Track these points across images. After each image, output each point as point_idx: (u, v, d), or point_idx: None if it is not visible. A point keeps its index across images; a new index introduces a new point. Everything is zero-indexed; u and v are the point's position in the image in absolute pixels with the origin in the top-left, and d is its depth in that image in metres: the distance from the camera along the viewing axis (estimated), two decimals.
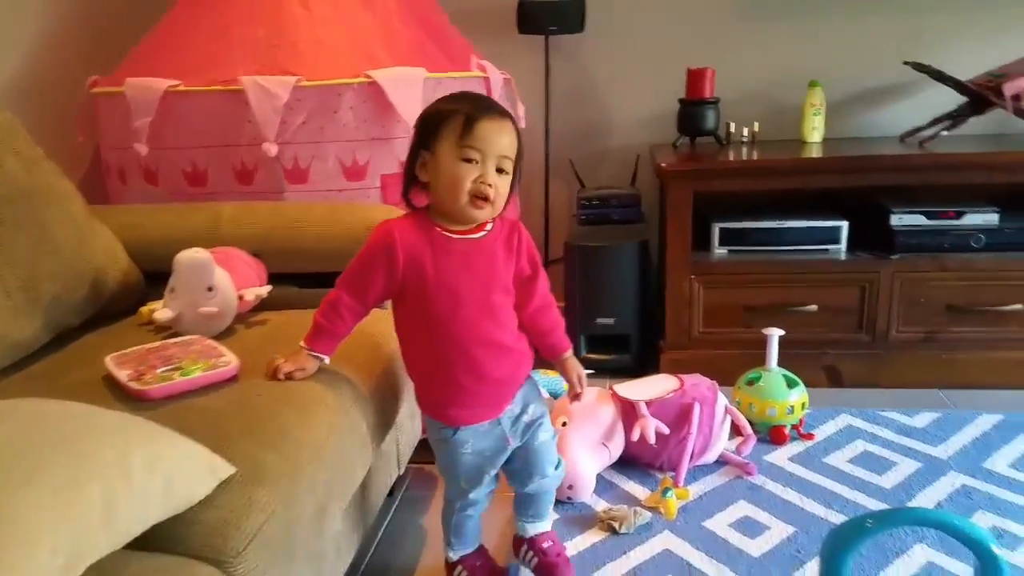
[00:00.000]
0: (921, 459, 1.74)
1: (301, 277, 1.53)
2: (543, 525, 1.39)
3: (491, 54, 2.10)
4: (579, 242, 2.20)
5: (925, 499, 1.60)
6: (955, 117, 2.20)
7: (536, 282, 1.25)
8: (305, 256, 1.50)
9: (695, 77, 2.24)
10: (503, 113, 1.13)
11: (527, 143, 2.55)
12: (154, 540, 0.83)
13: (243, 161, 1.68)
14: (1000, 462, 1.72)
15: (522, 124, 2.13)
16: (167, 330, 1.36)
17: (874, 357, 2.11)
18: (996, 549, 0.84)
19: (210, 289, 1.33)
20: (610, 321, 2.21)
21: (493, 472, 1.29)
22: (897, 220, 2.10)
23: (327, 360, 1.20)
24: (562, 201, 2.55)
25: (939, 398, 2.06)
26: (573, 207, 2.43)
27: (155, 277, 1.44)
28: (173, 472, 0.85)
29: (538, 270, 1.25)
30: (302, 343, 1.20)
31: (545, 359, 1.32)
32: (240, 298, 1.38)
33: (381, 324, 1.42)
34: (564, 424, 1.66)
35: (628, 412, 1.71)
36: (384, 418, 1.32)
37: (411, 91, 1.67)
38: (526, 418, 1.27)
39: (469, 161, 1.09)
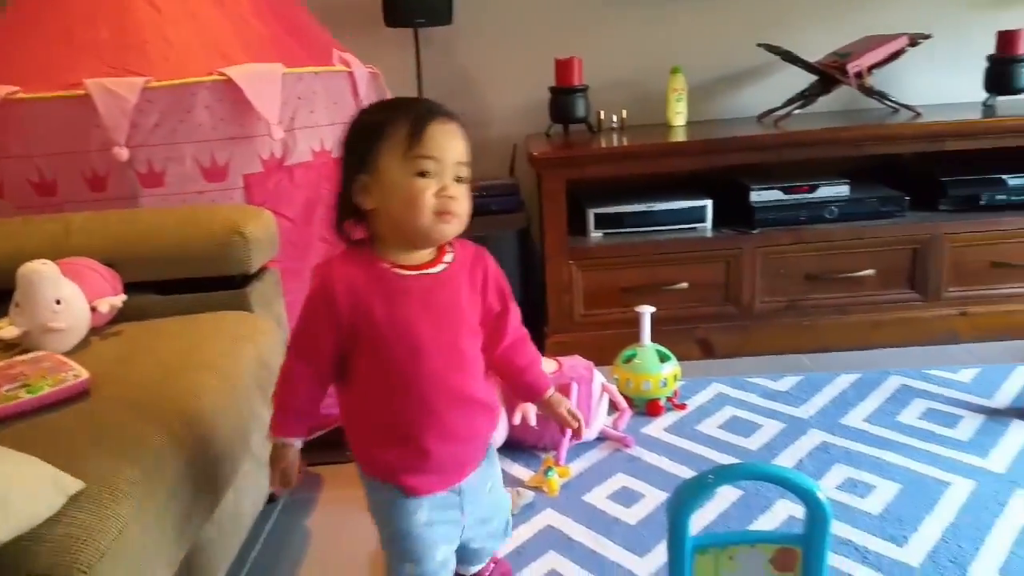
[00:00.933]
0: (785, 420, 1.86)
1: (161, 285, 1.48)
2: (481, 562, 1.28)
3: (358, 49, 2.07)
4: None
5: (787, 457, 1.71)
6: (806, 96, 2.34)
7: (507, 317, 1.11)
8: (163, 263, 1.45)
9: (563, 66, 2.29)
10: (450, 114, 0.99)
11: None
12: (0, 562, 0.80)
13: (94, 168, 1.60)
14: (855, 418, 1.85)
15: None
16: (16, 347, 1.29)
17: (742, 328, 2.23)
18: (820, 495, 0.91)
19: (58, 303, 1.27)
20: None
21: (450, 549, 1.11)
22: (756, 196, 2.22)
23: (299, 444, 1.05)
24: None
25: (802, 362, 2.20)
26: None
27: (4, 294, 1.37)
28: (11, 492, 0.82)
29: (508, 304, 1.11)
30: (268, 434, 1.05)
31: (521, 400, 1.23)
32: (93, 310, 1.33)
33: (243, 326, 1.41)
34: None
35: (509, 397, 1.74)
36: (251, 423, 1.30)
37: (269, 87, 1.64)
38: (487, 483, 1.14)
39: (424, 175, 0.95)
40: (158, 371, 1.20)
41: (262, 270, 1.55)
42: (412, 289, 0.99)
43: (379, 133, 0.96)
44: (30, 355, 1.22)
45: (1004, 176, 2.26)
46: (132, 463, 0.97)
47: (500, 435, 1.74)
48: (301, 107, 1.72)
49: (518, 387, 1.18)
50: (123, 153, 1.57)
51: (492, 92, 2.53)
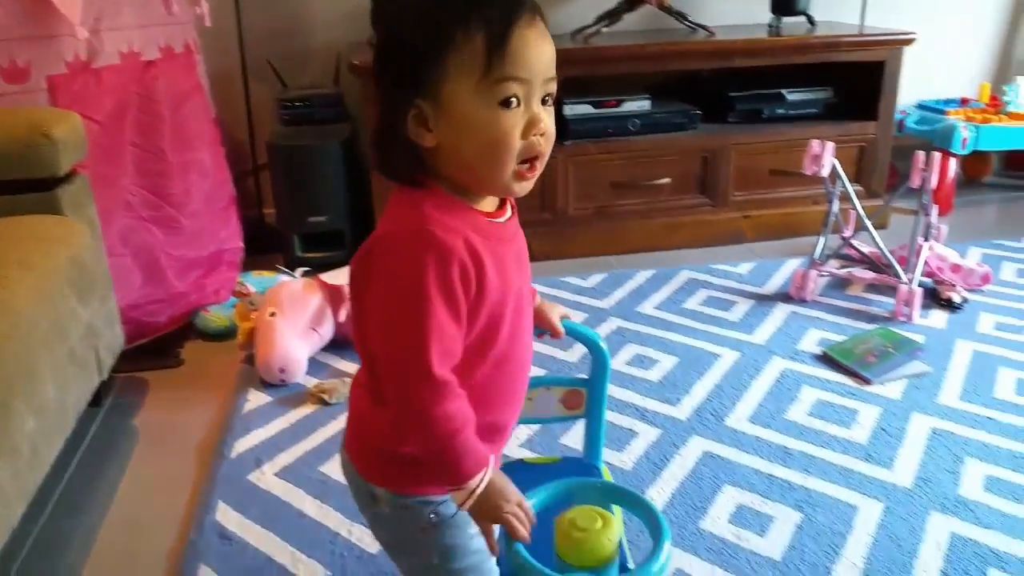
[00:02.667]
0: (588, 311, 2.09)
1: None
2: None
3: None
4: (283, 142, 2.25)
5: None
6: (612, 15, 2.51)
7: None
8: None
9: None
10: (532, 3, 0.72)
11: (217, 45, 2.50)
12: None
13: None
14: (648, 306, 2.11)
15: (207, 23, 2.10)
16: None
17: (557, 233, 2.43)
18: (601, 343, 1.06)
19: None
20: (322, 219, 2.30)
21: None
22: (569, 110, 2.40)
23: (491, 468, 0.76)
24: (265, 104, 2.53)
25: (610, 263, 2.44)
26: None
27: None
28: None
29: None
30: (455, 491, 0.76)
31: None
32: None
33: (55, 228, 1.42)
34: (272, 315, 1.76)
35: (335, 297, 1.85)
36: (67, 319, 1.33)
37: None
38: None
39: (508, 103, 0.70)
40: None
41: (71, 174, 1.54)
42: (507, 241, 0.78)
43: (442, 41, 0.69)
44: None
45: (784, 91, 2.56)
46: None
47: (327, 332, 1.85)
48: (107, 7, 1.69)
49: None
50: None
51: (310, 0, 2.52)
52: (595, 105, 2.42)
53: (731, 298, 2.15)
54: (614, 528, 0.76)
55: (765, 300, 2.14)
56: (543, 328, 0.98)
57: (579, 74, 2.37)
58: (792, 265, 2.31)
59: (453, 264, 0.70)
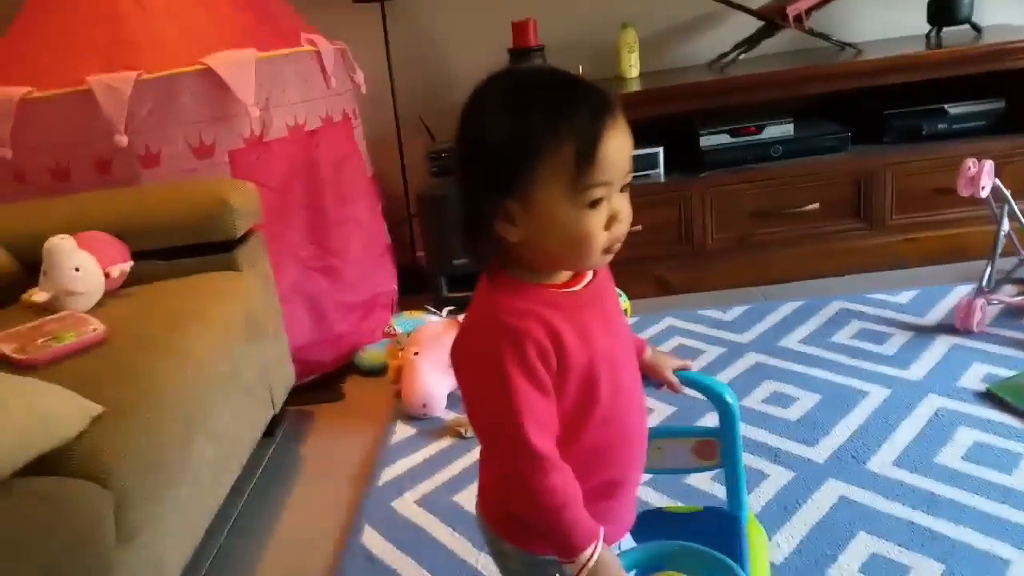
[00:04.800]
0: (726, 345, 2.06)
1: (163, 252, 1.72)
2: None
3: (330, 26, 2.27)
4: (430, 193, 2.43)
5: (724, 375, 1.91)
6: (751, 41, 2.48)
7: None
8: (162, 233, 1.69)
9: (519, 28, 2.45)
10: (612, 102, 0.76)
11: (376, 108, 2.73)
12: (42, 467, 1.05)
13: (100, 153, 1.84)
14: (792, 340, 2.05)
15: (363, 90, 2.32)
16: (47, 310, 1.54)
17: (696, 265, 2.42)
18: (727, 396, 1.02)
19: (77, 270, 1.52)
20: (465, 261, 2.45)
21: None
22: (705, 141, 2.39)
23: (600, 541, 0.79)
24: (419, 158, 2.70)
25: (754, 294, 2.38)
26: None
27: (35, 266, 1.61)
28: (49, 413, 1.07)
29: None
30: (567, 563, 0.79)
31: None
32: (107, 275, 1.57)
33: (231, 284, 1.64)
34: (416, 354, 1.92)
35: None
36: (241, 361, 1.54)
37: (244, 72, 1.85)
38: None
39: (597, 204, 0.75)
40: (160, 324, 1.44)
41: (247, 234, 1.78)
42: (586, 306, 0.82)
43: (535, 152, 0.73)
44: (57, 315, 1.47)
45: (946, 105, 2.39)
46: (140, 394, 1.22)
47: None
48: (274, 87, 1.94)
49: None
50: (123, 140, 1.80)
51: (456, 59, 2.70)
52: (732, 134, 2.40)
53: (887, 330, 2.04)
54: None
55: (925, 332, 2.00)
56: (655, 381, 0.99)
57: (714, 104, 2.37)
58: (962, 291, 2.14)
59: (528, 346, 0.75)
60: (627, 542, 0.95)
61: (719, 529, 1.07)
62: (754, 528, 1.12)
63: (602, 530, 0.80)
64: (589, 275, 0.84)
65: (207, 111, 1.85)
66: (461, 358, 0.82)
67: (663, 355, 1.00)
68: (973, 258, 2.30)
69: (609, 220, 0.76)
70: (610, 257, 0.80)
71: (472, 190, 0.79)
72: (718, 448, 1.08)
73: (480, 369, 0.79)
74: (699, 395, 1.02)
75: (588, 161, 0.72)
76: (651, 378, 1.00)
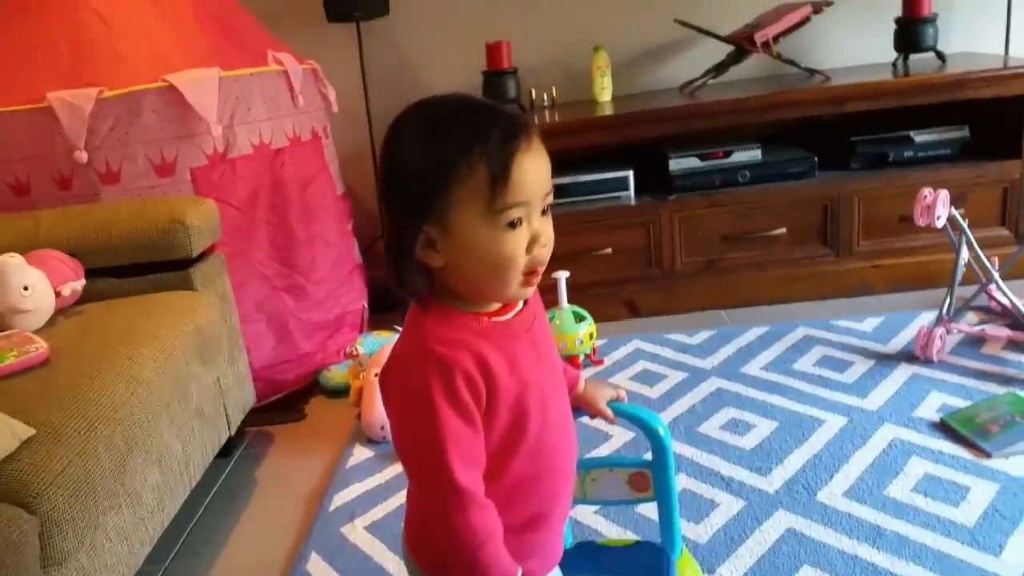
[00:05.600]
0: (688, 370, 2.05)
1: (118, 270, 1.71)
2: None
3: (305, 45, 2.28)
4: None
5: (685, 401, 1.91)
6: (719, 66, 2.49)
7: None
8: (116, 251, 1.68)
9: (493, 50, 2.46)
10: (524, 123, 0.77)
11: (350, 126, 2.73)
12: None
13: (60, 170, 1.84)
14: (754, 366, 2.05)
15: (334, 109, 2.33)
16: None
17: (664, 288, 2.42)
18: (659, 428, 1.03)
19: (25, 288, 1.51)
20: None
21: None
22: (675, 164, 2.40)
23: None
24: None
25: (721, 317, 2.39)
26: None
27: None
28: None
29: None
30: None
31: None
32: (57, 294, 1.56)
33: (184, 303, 1.63)
34: (376, 375, 1.90)
35: None
36: (189, 383, 1.53)
37: (207, 90, 1.85)
38: None
39: (514, 225, 0.75)
40: (106, 344, 1.43)
41: (206, 253, 1.77)
42: (517, 336, 0.81)
43: (446, 175, 0.73)
44: (3, 333, 1.46)
45: (911, 132, 2.41)
46: (76, 416, 1.21)
47: None
48: (239, 106, 1.93)
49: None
50: (83, 156, 1.80)
51: (431, 78, 2.70)
52: (701, 158, 2.41)
53: (849, 357, 2.04)
54: None
55: (887, 360, 2.00)
56: (589, 413, 1.00)
57: (682, 129, 2.37)
58: (927, 318, 2.15)
59: (456, 376, 0.75)
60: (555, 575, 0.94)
61: (650, 564, 1.07)
62: (687, 563, 1.12)
63: (520, 570, 0.80)
64: (520, 304, 0.84)
65: (169, 128, 1.84)
66: (389, 387, 0.81)
67: (598, 386, 1.01)
68: (940, 285, 2.30)
69: (530, 243, 0.76)
70: (532, 288, 0.80)
71: (394, 218, 0.78)
72: (651, 480, 1.08)
73: (407, 399, 0.78)
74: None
75: (502, 182, 0.73)
76: (584, 410, 1.00)
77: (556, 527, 0.91)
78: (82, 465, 1.17)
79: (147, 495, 1.38)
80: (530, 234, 0.76)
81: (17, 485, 1.07)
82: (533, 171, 0.75)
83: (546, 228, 0.78)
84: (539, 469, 0.84)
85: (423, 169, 0.75)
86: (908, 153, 2.41)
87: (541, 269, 0.79)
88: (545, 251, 0.78)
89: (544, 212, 0.78)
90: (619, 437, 1.78)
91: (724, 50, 2.52)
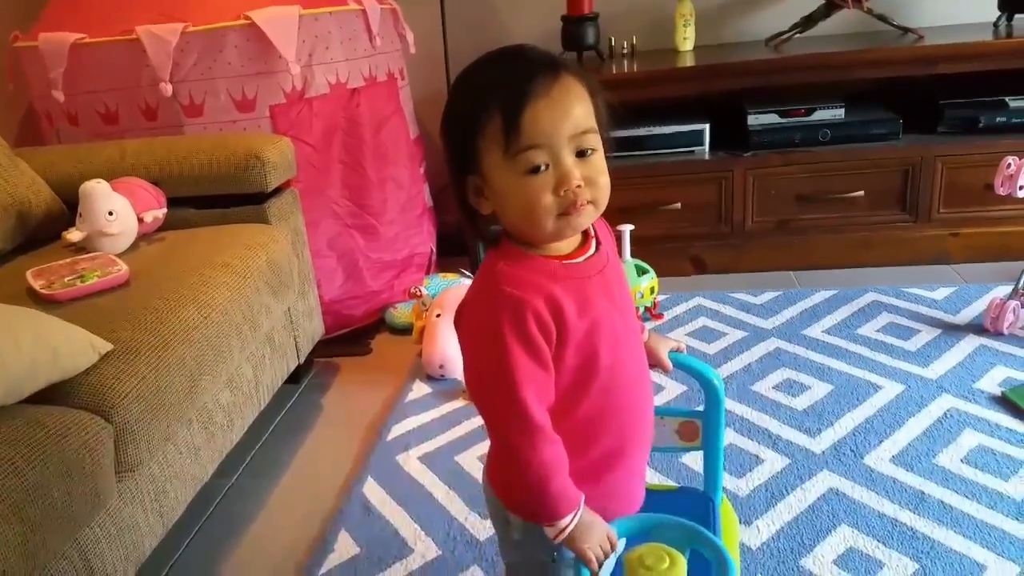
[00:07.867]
0: (749, 330, 2.04)
1: (198, 200, 1.80)
2: None
3: None
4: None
5: (739, 361, 1.90)
6: (808, 20, 2.39)
7: None
8: (197, 182, 1.77)
9: None
10: (550, 68, 0.77)
11: (428, 69, 2.75)
12: (51, 397, 1.14)
13: (146, 100, 1.93)
14: (816, 329, 2.02)
15: (412, 51, 2.35)
16: (83, 250, 1.64)
17: (733, 246, 2.39)
18: (712, 376, 1.05)
19: (111, 213, 1.61)
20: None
21: None
22: (753, 120, 2.34)
23: (581, 509, 0.83)
24: None
25: (789, 279, 2.34)
26: None
27: (76, 207, 1.71)
28: (59, 346, 1.15)
29: None
30: (548, 527, 0.83)
31: None
32: (140, 220, 1.66)
33: (259, 235, 1.71)
34: (438, 316, 1.97)
35: None
36: (260, 311, 1.61)
37: (287, 28, 1.90)
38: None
39: (536, 170, 0.76)
40: (183, 270, 1.51)
41: (281, 188, 1.84)
42: (589, 277, 0.83)
43: (473, 129, 0.77)
44: (90, 255, 1.56)
45: (1006, 98, 2.28)
46: (152, 335, 1.30)
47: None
48: (318, 44, 1.98)
49: None
50: (167, 88, 1.88)
51: (510, 23, 2.68)
52: (782, 114, 2.34)
53: (915, 325, 1.99)
54: (680, 569, 0.78)
55: (954, 330, 1.94)
56: (650, 362, 1.00)
57: (764, 85, 2.31)
58: (1002, 292, 2.06)
59: (528, 316, 0.77)
60: None
61: (694, 508, 1.10)
62: (726, 511, 1.15)
63: (583, 498, 0.83)
64: (592, 248, 0.85)
65: (250, 65, 1.91)
66: (462, 326, 0.84)
67: (659, 337, 1.03)
68: (1021, 258, 2.21)
69: (557, 184, 0.76)
70: (583, 218, 0.79)
71: (451, 170, 0.83)
72: (699, 431, 1.11)
73: (480, 337, 0.81)
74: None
75: (513, 126, 0.75)
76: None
77: (635, 470, 0.93)
78: (155, 381, 1.25)
79: (218, 414, 1.49)
80: (557, 176, 0.76)
81: (96, 395, 1.17)
82: (549, 114, 0.75)
83: (582, 170, 0.77)
84: (611, 406, 0.86)
85: (457, 120, 0.81)
86: (1001, 119, 2.28)
87: (579, 209, 0.77)
88: (578, 193, 0.76)
89: (584, 154, 0.78)
90: (671, 390, 1.80)
91: (814, 3, 2.41)
